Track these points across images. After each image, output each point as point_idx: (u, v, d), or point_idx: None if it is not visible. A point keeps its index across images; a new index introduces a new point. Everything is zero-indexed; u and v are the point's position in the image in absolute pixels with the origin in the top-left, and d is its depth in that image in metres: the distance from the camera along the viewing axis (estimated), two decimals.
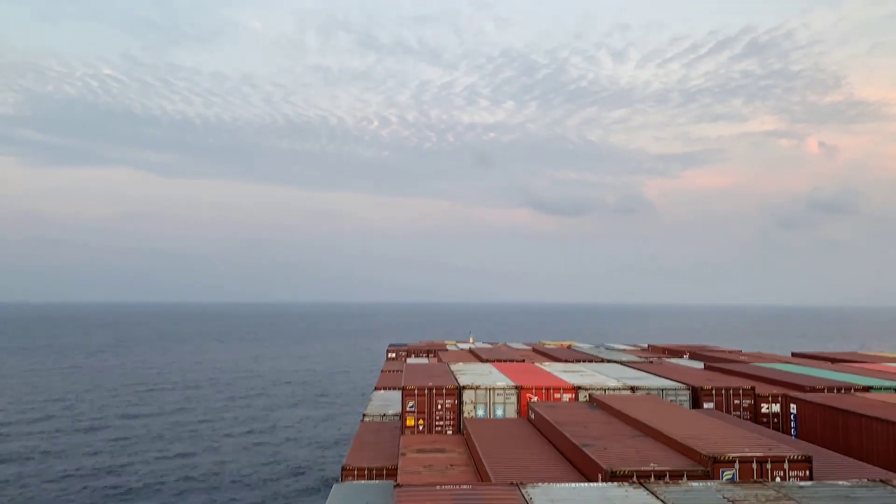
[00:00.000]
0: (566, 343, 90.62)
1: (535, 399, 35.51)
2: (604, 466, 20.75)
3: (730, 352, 70.03)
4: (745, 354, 64.78)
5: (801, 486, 18.36)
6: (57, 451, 79.15)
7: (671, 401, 35.24)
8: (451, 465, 27.29)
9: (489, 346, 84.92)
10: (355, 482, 29.37)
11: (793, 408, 33.16)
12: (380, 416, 41.38)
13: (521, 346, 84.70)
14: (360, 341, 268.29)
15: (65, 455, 77.85)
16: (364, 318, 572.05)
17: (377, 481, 29.12)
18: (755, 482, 19.08)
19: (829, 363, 50.90)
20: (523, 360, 54.72)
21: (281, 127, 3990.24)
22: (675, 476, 20.13)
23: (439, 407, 34.96)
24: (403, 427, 34.81)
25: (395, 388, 46.88)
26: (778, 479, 20.10)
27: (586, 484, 19.77)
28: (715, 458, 20.59)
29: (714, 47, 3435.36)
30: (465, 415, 34.92)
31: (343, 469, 30.70)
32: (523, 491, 18.22)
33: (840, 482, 18.75)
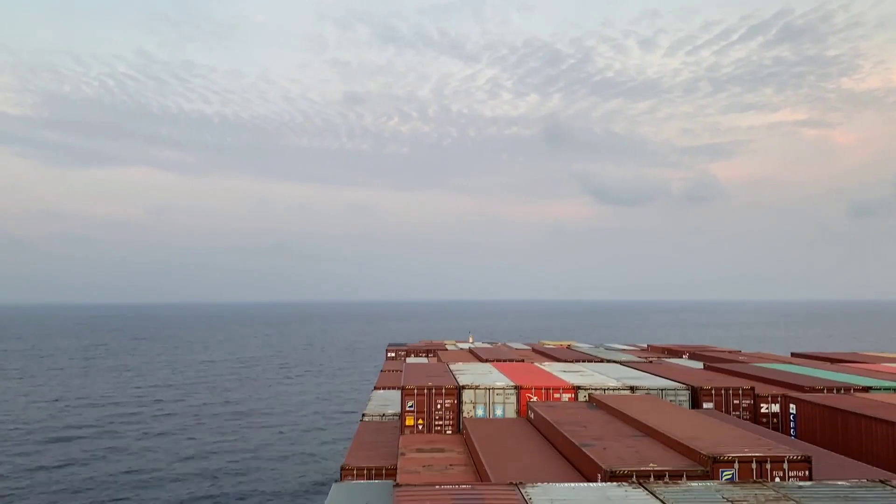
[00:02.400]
0: (566, 343, 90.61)
1: (534, 399, 35.49)
2: (603, 466, 20.74)
3: (729, 352, 70.03)
4: (744, 354, 64.79)
5: (801, 487, 18.34)
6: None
7: (671, 401, 35.21)
8: (451, 465, 27.28)
9: (489, 345, 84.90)
10: (354, 482, 29.34)
11: (792, 408, 33.14)
12: (379, 415, 41.32)
13: (520, 345, 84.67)
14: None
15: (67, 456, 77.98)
16: (396, 318, 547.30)
17: (376, 481, 29.08)
18: (754, 482, 19.06)
19: (829, 363, 50.89)
20: (523, 360, 54.70)
21: (300, 124, 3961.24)
22: (675, 476, 20.11)
23: (439, 406, 34.93)
24: (403, 427, 34.78)
25: (394, 388, 46.84)
26: (777, 480, 20.08)
27: (586, 484, 19.76)
28: (714, 458, 20.57)
29: (747, 33, 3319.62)
30: (465, 414, 34.90)
31: (342, 468, 30.68)
32: (522, 491, 18.20)
33: (839, 482, 18.74)
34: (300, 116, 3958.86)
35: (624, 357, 59.97)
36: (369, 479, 29.92)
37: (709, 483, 18.85)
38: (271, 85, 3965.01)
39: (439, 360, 57.62)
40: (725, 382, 37.72)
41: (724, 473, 20.32)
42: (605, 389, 36.58)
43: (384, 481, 27.92)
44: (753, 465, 20.54)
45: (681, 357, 65.62)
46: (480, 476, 24.61)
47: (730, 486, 18.33)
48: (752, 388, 36.14)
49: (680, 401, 35.90)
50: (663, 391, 36.50)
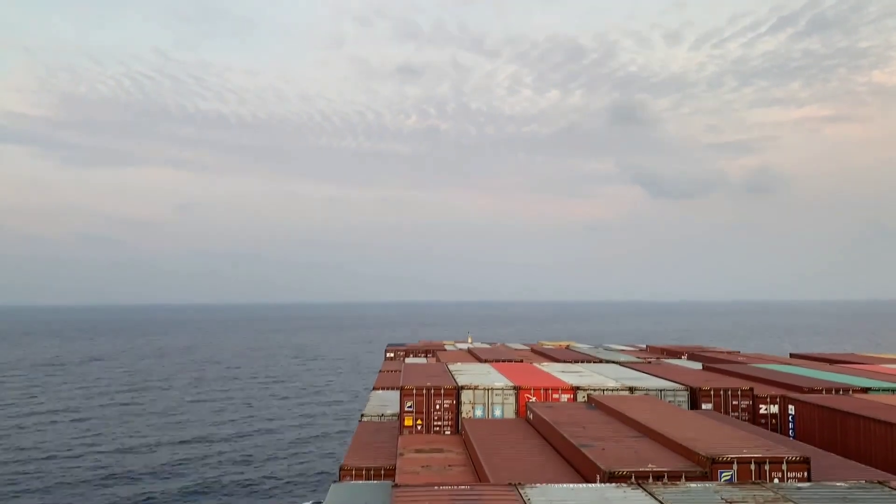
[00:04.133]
0: (565, 343, 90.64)
1: (533, 399, 35.48)
2: (602, 467, 20.73)
3: (728, 353, 70.01)
4: (743, 355, 64.78)
5: (799, 488, 18.35)
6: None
7: (669, 401, 35.21)
8: (450, 466, 27.28)
9: (487, 346, 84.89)
10: (353, 482, 29.33)
11: (791, 409, 33.15)
12: (378, 416, 41.31)
13: (519, 346, 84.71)
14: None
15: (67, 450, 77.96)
16: (417, 322, 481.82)
17: (375, 481, 29.08)
18: (753, 483, 19.07)
19: (828, 364, 50.89)
20: (522, 361, 54.66)
21: (318, 123, 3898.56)
22: (674, 477, 20.12)
23: (437, 407, 34.92)
24: (401, 427, 34.78)
25: (393, 388, 46.80)
26: (776, 481, 20.08)
27: (584, 485, 19.78)
28: (713, 459, 20.58)
29: (776, 24, 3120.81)
30: (464, 415, 34.88)
31: (341, 469, 30.68)
32: (521, 491, 18.20)
33: (838, 483, 18.75)
34: (318, 115, 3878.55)
35: (623, 358, 59.95)
36: (368, 479, 29.91)
37: (707, 484, 18.86)
38: (288, 83, 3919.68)
39: (438, 360, 57.60)
40: (724, 383, 37.73)
41: (723, 474, 20.32)
42: (603, 390, 36.57)
43: (383, 482, 27.91)
44: (752, 466, 20.55)
45: (679, 358, 65.57)
46: (479, 476, 24.61)
47: (728, 487, 18.35)
48: (751, 389, 36.15)
49: (679, 401, 35.91)
50: (662, 392, 36.50)
